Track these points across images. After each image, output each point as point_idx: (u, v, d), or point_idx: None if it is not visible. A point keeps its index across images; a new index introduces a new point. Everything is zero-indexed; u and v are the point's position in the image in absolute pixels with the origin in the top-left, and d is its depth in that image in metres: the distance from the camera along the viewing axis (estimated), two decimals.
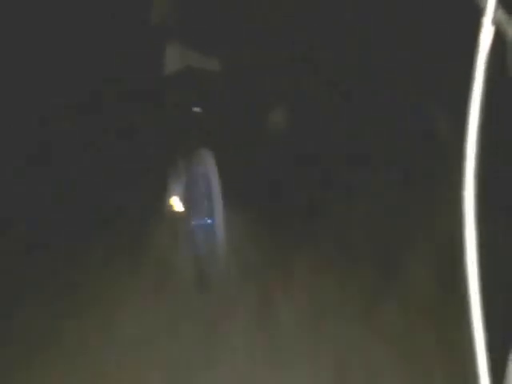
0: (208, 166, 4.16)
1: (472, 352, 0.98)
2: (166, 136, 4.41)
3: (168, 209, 4.18)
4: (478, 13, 1.03)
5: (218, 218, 4.15)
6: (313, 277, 3.74)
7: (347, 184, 4.59)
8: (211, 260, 4.16)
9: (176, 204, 4.24)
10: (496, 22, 1.00)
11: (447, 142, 4.21)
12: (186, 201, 4.35)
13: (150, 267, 3.95)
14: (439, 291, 3.35)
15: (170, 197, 4.27)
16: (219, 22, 4.01)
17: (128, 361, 3.01)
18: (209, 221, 4.28)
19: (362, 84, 5.21)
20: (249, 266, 4.06)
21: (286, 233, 4.29)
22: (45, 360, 3.02)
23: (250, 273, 4.01)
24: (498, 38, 1.00)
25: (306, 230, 4.29)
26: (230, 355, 3.06)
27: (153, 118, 4.62)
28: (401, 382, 2.78)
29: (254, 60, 5.22)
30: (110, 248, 4.10)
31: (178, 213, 4.22)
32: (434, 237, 3.78)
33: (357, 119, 4.95)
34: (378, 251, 3.86)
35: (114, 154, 4.91)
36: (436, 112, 4.99)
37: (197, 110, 4.23)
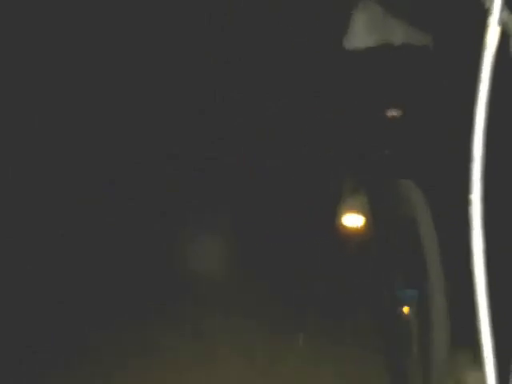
0: (415, 204, 2.53)
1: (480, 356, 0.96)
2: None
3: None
4: (484, 13, 1.02)
5: (433, 289, 2.39)
6: None
7: None
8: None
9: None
10: (502, 22, 0.98)
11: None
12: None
13: None
14: None
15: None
16: None
17: None
18: (411, 292, 2.69)
19: None
20: None
21: None
22: None
23: None
24: (505, 38, 0.99)
25: None
26: None
27: None
28: None
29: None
30: None
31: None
32: None
33: None
34: None
35: None
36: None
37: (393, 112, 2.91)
